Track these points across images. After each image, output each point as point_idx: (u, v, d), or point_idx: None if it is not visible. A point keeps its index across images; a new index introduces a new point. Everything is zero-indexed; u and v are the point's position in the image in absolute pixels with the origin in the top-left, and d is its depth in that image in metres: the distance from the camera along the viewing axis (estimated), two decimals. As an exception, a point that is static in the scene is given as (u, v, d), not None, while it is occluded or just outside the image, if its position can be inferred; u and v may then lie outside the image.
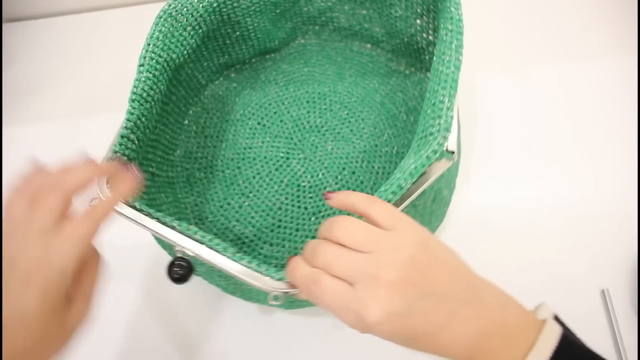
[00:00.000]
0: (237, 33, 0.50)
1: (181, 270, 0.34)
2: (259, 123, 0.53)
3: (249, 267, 0.32)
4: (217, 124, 0.53)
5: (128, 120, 0.38)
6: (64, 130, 0.60)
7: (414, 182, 0.32)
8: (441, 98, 0.34)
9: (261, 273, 0.31)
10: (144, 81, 0.40)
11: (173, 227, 0.34)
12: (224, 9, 0.47)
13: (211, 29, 0.48)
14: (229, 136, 0.53)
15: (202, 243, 0.33)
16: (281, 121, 0.53)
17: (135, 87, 0.39)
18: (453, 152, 0.34)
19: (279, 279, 0.31)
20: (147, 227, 0.34)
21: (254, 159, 0.51)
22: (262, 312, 0.46)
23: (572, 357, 0.25)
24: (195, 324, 0.46)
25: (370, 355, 0.43)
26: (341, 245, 0.26)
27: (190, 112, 0.53)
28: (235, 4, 0.47)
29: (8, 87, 0.64)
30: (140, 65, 0.40)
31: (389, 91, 0.54)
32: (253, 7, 0.48)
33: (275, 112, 0.53)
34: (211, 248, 0.33)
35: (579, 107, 0.55)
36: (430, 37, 0.49)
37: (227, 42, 0.51)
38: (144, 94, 0.39)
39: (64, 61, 0.66)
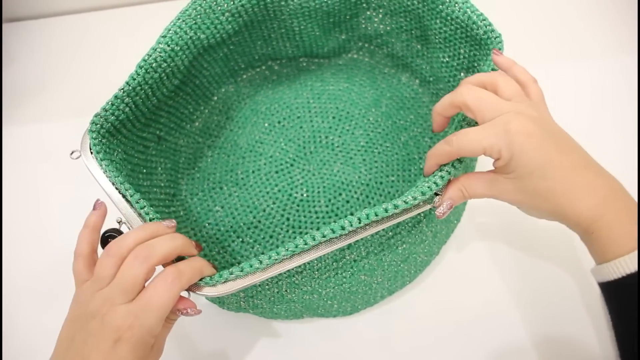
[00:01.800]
0: (282, 30, 0.50)
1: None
2: (279, 122, 0.53)
3: None
4: (242, 109, 0.54)
5: (127, 83, 0.39)
6: (63, 130, 0.59)
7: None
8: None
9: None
10: (159, 52, 0.40)
11: (124, 196, 0.35)
12: (270, 5, 0.46)
13: (255, 20, 0.47)
14: (247, 125, 0.53)
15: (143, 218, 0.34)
16: (300, 127, 0.52)
17: (148, 54, 0.40)
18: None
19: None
20: (99, 183, 0.35)
21: (260, 154, 0.51)
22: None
23: None
24: (196, 323, 0.47)
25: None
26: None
27: (222, 90, 0.54)
28: (282, 3, 0.46)
29: (8, 87, 0.64)
30: (162, 37, 0.41)
31: (417, 134, 0.52)
32: (302, 11, 0.47)
33: (298, 117, 0.53)
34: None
35: (579, 107, 0.56)
36: (405, 35, 0.50)
37: (272, 35, 0.50)
38: (154, 64, 0.40)
39: (64, 61, 0.67)
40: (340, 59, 0.56)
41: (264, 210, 0.48)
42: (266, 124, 0.53)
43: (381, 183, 0.49)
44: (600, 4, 0.63)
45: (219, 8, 0.43)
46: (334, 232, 0.32)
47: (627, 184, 0.50)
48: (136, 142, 0.42)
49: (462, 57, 0.45)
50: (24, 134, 0.60)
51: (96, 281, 0.30)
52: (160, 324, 0.30)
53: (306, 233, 0.46)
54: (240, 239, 0.47)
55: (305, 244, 0.32)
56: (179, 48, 0.41)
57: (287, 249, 0.32)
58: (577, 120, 0.54)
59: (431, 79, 0.52)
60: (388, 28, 0.51)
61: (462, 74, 0.46)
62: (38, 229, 0.53)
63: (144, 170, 0.44)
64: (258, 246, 0.47)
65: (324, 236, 0.32)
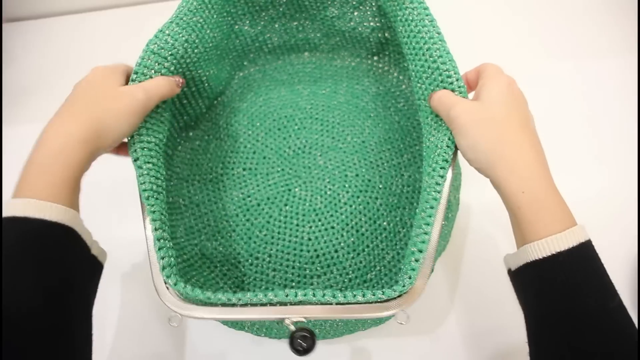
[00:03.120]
0: (193, 89, 0.47)
1: (304, 341, 0.31)
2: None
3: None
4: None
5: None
6: None
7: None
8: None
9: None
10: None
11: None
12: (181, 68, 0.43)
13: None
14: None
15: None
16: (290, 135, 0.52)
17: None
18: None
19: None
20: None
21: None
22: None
23: (593, 258, 0.29)
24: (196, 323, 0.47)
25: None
26: None
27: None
28: (188, 60, 0.43)
29: (8, 87, 0.64)
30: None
31: (347, 85, 0.53)
32: (203, 57, 0.45)
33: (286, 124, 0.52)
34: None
35: (579, 107, 0.55)
36: (372, 24, 0.50)
37: (184, 102, 0.48)
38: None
39: (63, 61, 0.66)
40: (234, 86, 0.55)
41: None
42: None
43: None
44: (600, 4, 0.62)
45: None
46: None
47: (626, 183, 0.51)
48: None
49: None
50: (24, 134, 0.61)
51: None
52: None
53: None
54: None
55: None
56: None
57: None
58: (576, 120, 0.54)
59: (321, 41, 0.54)
60: (259, 27, 0.52)
61: (355, 13, 0.50)
62: None
63: None
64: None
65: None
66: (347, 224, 0.46)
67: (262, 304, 0.31)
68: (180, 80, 0.40)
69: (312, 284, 0.45)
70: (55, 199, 0.29)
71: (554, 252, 0.28)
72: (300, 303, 0.31)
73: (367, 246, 0.45)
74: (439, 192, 0.32)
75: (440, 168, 0.33)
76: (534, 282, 0.30)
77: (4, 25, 0.70)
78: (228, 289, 0.45)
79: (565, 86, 0.57)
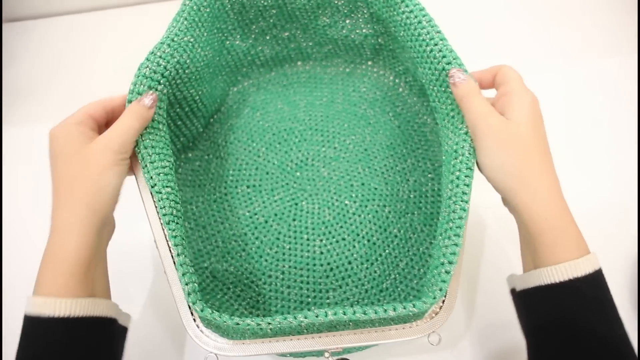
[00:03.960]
0: (187, 109, 0.46)
1: None
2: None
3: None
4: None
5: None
6: None
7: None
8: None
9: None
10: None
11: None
12: (173, 89, 0.42)
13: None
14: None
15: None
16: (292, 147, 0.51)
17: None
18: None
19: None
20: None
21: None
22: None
23: (604, 287, 0.30)
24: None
25: None
26: None
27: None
28: (179, 81, 0.42)
29: (8, 87, 0.64)
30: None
31: (343, 93, 0.53)
32: (195, 76, 0.44)
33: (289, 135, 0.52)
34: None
35: (579, 108, 0.55)
36: (365, 30, 0.50)
37: (179, 123, 0.47)
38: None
39: (64, 61, 0.66)
40: (229, 101, 0.54)
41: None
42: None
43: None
44: (600, 4, 0.62)
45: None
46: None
47: (626, 183, 0.51)
48: None
49: (340, 6, 0.48)
50: (24, 134, 0.60)
51: None
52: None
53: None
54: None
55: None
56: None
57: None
58: (576, 120, 0.55)
59: (314, 50, 0.54)
60: (250, 41, 0.51)
61: (347, 20, 0.50)
62: (38, 229, 0.52)
63: None
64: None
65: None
66: (358, 234, 0.46)
67: (293, 327, 0.31)
68: (150, 97, 0.36)
69: (327, 298, 0.44)
70: (73, 292, 0.30)
71: (571, 278, 0.29)
72: (331, 323, 0.31)
73: (380, 255, 0.45)
74: (466, 202, 0.32)
75: (465, 177, 0.33)
76: (544, 304, 0.31)
77: (4, 25, 0.70)
78: (244, 310, 0.44)
79: (565, 86, 0.57)
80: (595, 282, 0.30)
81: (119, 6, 0.70)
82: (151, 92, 0.36)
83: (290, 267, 0.45)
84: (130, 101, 0.36)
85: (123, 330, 0.34)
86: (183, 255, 0.33)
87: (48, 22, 0.69)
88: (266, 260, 0.46)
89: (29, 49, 0.67)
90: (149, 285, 0.49)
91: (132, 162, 0.36)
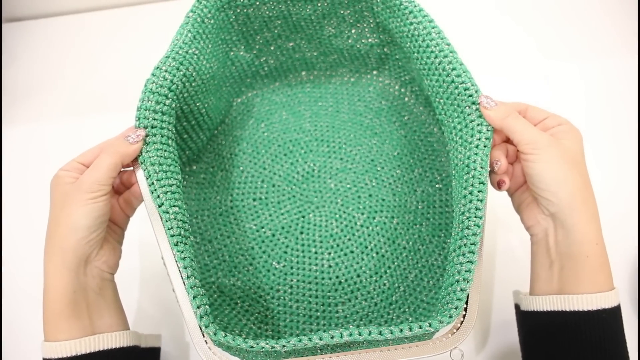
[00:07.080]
0: (193, 122, 0.46)
1: None
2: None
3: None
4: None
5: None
6: (64, 130, 0.59)
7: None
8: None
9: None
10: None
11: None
12: (180, 103, 0.42)
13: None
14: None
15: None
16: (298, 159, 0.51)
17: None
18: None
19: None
20: None
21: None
22: None
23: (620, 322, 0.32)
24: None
25: None
26: None
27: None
28: (186, 94, 0.41)
29: (8, 87, 0.64)
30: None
31: (349, 103, 0.53)
32: (201, 89, 0.44)
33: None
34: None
35: (579, 107, 0.55)
36: (371, 40, 0.49)
37: (185, 136, 0.46)
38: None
39: (64, 61, 0.66)
40: (233, 112, 0.54)
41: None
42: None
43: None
44: (600, 4, 0.62)
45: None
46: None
47: (626, 183, 0.52)
48: None
49: (347, 16, 0.48)
50: (24, 134, 0.60)
51: None
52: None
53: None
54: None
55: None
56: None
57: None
58: (575, 120, 0.54)
59: (318, 59, 0.53)
60: (255, 51, 0.51)
61: (352, 30, 0.49)
62: (38, 229, 0.52)
63: None
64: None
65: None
66: (367, 247, 0.45)
67: (307, 349, 0.30)
68: (135, 134, 0.34)
69: (337, 312, 0.44)
70: (68, 332, 0.31)
71: (599, 308, 0.30)
72: (345, 343, 0.30)
73: (389, 267, 0.45)
74: (480, 218, 0.32)
75: (479, 192, 0.33)
76: (560, 329, 0.31)
77: (4, 25, 0.70)
78: (252, 325, 0.43)
79: (565, 86, 0.57)
80: (617, 316, 0.31)
81: (119, 6, 0.70)
82: (140, 128, 0.35)
83: (298, 281, 0.45)
84: (138, 118, 0.35)
85: (151, 352, 0.34)
86: (193, 277, 0.32)
87: (48, 22, 0.69)
88: (274, 275, 0.45)
89: (29, 49, 0.67)
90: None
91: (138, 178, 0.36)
